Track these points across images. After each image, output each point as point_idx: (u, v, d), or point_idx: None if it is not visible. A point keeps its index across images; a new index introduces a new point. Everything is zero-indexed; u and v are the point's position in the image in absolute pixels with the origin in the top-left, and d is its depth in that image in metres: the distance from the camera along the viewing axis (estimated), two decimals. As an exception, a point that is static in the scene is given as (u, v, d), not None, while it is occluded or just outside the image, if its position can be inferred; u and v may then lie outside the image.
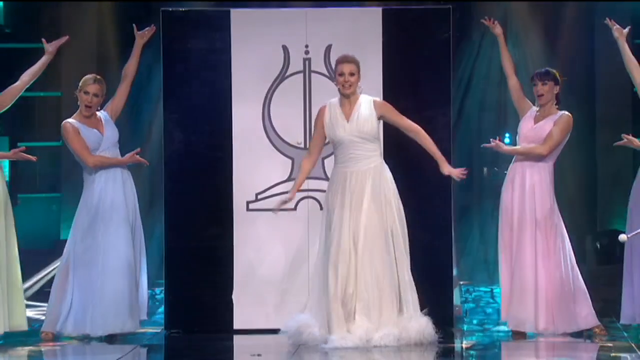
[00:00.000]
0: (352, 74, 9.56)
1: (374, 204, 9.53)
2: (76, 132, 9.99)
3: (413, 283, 9.53)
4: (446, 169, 9.56)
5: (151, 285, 10.65)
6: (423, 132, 9.61)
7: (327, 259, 9.52)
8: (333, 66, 10.11)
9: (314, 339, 9.43)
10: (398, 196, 9.58)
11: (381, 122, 9.63)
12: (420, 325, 9.45)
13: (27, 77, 10.07)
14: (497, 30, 10.27)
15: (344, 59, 9.59)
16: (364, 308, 9.39)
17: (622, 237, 9.39)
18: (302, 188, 10.19)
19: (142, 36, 10.34)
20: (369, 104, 9.60)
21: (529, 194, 9.96)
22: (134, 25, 10.38)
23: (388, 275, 9.46)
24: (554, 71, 10.07)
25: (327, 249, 9.55)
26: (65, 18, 13.48)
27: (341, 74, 9.57)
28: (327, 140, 9.72)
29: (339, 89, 9.61)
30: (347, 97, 9.58)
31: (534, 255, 9.91)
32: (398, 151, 9.72)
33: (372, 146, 9.58)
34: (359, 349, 9.25)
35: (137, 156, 10.05)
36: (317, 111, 9.94)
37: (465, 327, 10.54)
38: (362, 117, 9.55)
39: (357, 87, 9.62)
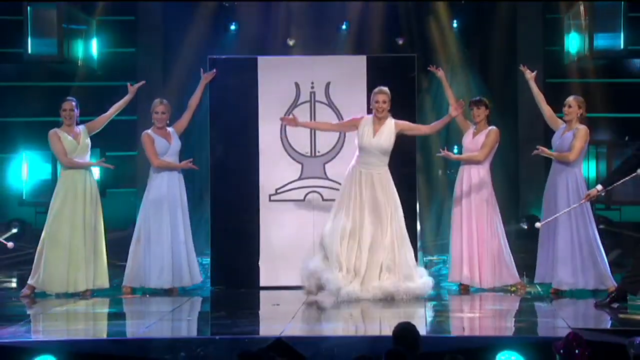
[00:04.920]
0: (384, 102, 9.58)
1: (378, 200, 9.55)
2: (151, 140, 10.09)
3: (410, 254, 9.55)
4: (452, 112, 9.70)
5: (200, 254, 10.87)
6: (425, 127, 9.84)
7: (336, 229, 9.52)
8: (332, 98, 10.35)
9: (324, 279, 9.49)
10: (396, 194, 9.62)
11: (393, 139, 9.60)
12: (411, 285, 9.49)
13: (114, 109, 10.15)
14: (440, 73, 10.25)
15: (379, 91, 9.62)
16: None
17: (537, 224, 9.62)
18: (308, 185, 10.36)
19: (206, 77, 10.31)
20: (392, 125, 9.60)
21: (472, 187, 10.01)
22: (201, 68, 10.38)
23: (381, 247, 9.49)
24: (485, 99, 10.17)
25: (337, 223, 9.54)
26: (140, 66, 13.35)
27: (377, 102, 9.58)
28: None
29: (374, 112, 9.60)
30: (379, 119, 9.60)
31: (475, 229, 9.97)
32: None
33: (385, 158, 9.60)
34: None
35: (190, 163, 10.11)
36: (320, 129, 10.17)
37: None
38: (384, 136, 9.55)
39: (388, 112, 9.63)
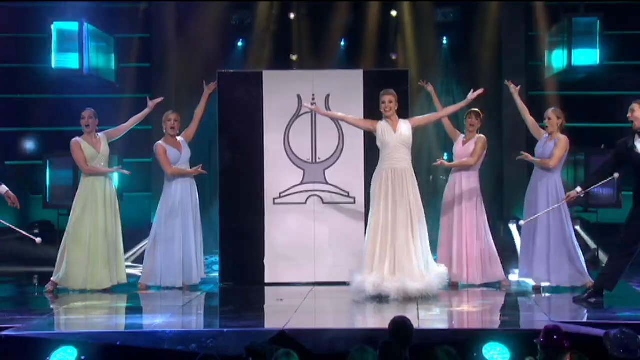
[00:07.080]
0: (390, 102, 9.32)
1: (409, 195, 9.29)
2: (164, 151, 10.06)
3: (428, 249, 9.34)
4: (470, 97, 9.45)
5: (209, 253, 10.84)
6: (435, 114, 9.67)
7: (373, 230, 9.23)
8: (332, 109, 10.18)
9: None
10: (418, 190, 9.42)
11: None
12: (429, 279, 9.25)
13: (134, 120, 10.15)
14: (429, 88, 10.21)
15: (385, 92, 9.39)
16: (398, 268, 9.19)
17: (521, 222, 9.59)
18: (309, 189, 10.31)
19: (209, 88, 10.29)
20: (405, 121, 9.39)
21: (462, 192, 9.99)
22: (204, 81, 10.37)
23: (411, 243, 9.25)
24: (479, 111, 10.12)
25: (373, 225, 9.25)
26: (155, 80, 13.43)
27: (383, 102, 9.36)
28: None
29: (383, 114, 9.35)
30: (390, 118, 9.34)
31: (465, 231, 9.93)
32: (375, 158, 9.56)
33: (408, 152, 9.37)
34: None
35: (200, 169, 10.07)
36: (321, 138, 10.20)
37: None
38: (403, 130, 9.32)
39: (395, 111, 9.37)
